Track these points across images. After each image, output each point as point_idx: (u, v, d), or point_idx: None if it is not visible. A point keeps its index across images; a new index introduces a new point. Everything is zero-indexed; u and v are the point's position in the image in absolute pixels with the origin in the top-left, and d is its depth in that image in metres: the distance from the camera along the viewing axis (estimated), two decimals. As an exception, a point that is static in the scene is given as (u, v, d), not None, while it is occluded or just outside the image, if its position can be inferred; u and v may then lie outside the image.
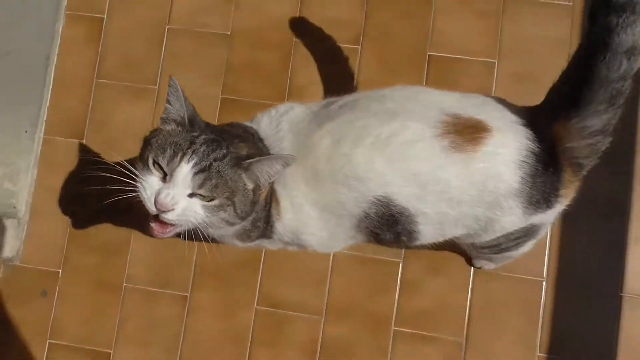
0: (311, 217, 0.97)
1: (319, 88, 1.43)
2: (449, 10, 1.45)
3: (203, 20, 1.54)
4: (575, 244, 1.34)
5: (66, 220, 1.53)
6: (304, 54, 1.47)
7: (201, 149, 0.87)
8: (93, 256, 1.50)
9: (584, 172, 0.91)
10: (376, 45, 1.42)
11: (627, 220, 1.33)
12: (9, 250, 1.47)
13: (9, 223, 1.46)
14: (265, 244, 1.10)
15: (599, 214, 1.33)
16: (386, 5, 1.45)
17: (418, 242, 0.98)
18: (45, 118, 1.54)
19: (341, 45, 1.43)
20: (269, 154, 0.93)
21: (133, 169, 0.90)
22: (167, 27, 1.55)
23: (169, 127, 0.92)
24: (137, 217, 1.35)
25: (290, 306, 1.42)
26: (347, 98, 0.99)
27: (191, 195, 0.87)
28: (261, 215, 0.98)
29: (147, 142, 0.91)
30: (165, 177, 0.88)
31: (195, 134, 0.89)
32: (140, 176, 0.88)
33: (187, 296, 1.45)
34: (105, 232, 1.51)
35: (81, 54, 1.57)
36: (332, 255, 1.41)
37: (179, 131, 0.90)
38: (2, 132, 1.51)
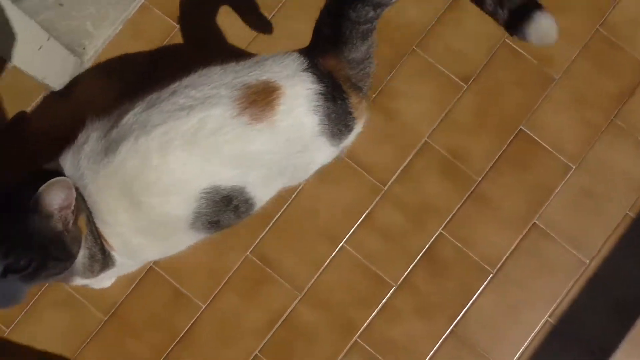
0: (143, 244, 0.97)
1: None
2: (559, 100, 1.41)
3: None
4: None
5: (115, 85, 1.44)
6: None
7: None
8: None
9: (365, 92, 1.01)
10: (479, 93, 1.40)
11: None
12: (56, 82, 1.38)
13: (70, 58, 1.39)
14: (111, 273, 1.05)
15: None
16: (508, 65, 1.42)
17: (257, 206, 1.01)
18: (154, -14, 1.44)
19: (451, 76, 1.42)
20: None
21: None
22: None
23: None
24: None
25: (279, 270, 1.36)
26: (132, 109, 0.91)
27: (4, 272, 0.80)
28: (96, 249, 0.95)
29: None
30: None
31: None
32: None
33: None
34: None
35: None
36: (339, 245, 1.37)
37: None
38: (112, -23, 1.43)
